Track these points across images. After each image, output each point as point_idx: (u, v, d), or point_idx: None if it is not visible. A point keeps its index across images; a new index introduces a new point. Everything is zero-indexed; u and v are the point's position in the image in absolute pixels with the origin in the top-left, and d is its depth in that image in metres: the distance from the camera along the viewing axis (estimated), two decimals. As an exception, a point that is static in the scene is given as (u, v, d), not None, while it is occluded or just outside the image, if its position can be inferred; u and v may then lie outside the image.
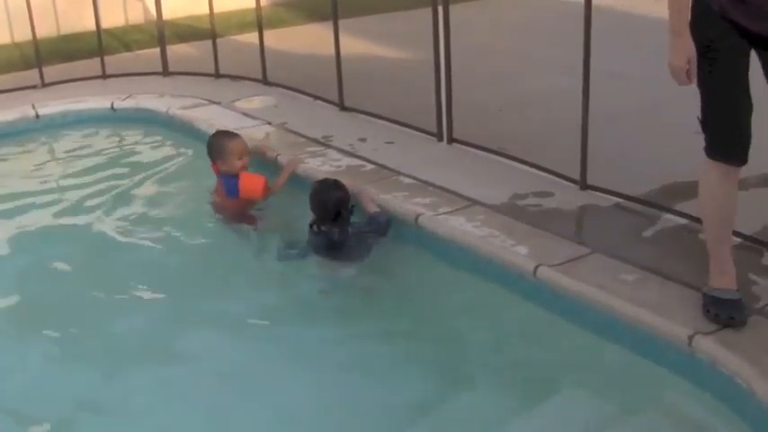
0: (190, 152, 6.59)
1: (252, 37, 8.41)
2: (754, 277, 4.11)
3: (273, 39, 8.50)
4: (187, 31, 10.00)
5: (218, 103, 7.44)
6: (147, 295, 4.84)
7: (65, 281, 4.99)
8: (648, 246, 4.55)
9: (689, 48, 3.58)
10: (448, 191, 5.30)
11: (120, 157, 6.75)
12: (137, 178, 6.29)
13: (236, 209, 5.52)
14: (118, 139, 7.17)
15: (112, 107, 7.52)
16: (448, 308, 4.57)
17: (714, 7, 3.54)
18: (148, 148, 6.93)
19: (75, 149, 6.98)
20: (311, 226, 4.95)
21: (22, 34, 8.91)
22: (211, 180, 5.68)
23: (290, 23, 10.77)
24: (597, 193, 5.15)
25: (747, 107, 3.68)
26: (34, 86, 8.08)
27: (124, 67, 8.66)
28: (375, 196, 5.21)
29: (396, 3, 10.88)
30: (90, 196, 6.01)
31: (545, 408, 3.78)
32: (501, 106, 7.12)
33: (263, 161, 5.90)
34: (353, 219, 4.99)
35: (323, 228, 4.89)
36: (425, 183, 5.45)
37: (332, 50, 6.99)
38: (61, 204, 5.91)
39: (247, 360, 4.21)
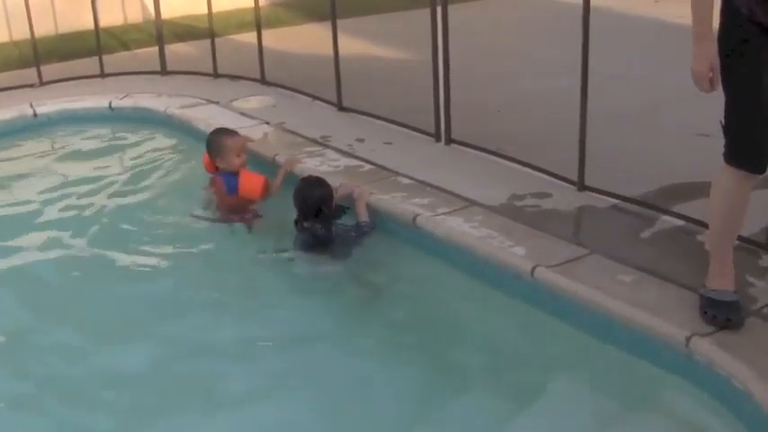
0: (188, 151, 6.58)
1: (250, 37, 8.41)
2: (751, 279, 4.11)
3: (272, 38, 8.49)
4: (185, 31, 10.00)
5: (217, 103, 7.44)
6: (140, 291, 4.85)
7: (60, 279, 4.98)
8: (646, 247, 4.55)
9: (712, 54, 3.54)
10: (446, 191, 5.30)
11: (118, 157, 6.74)
12: (134, 177, 6.29)
13: (234, 205, 5.51)
14: (115, 138, 7.17)
15: (110, 106, 7.51)
16: (445, 308, 4.57)
17: (742, 10, 3.49)
18: (146, 148, 6.92)
19: (72, 148, 6.98)
20: (296, 223, 5.05)
21: (21, 33, 8.90)
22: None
23: (289, 23, 10.77)
24: (595, 195, 5.15)
25: None
26: (32, 85, 8.08)
27: (122, 66, 8.66)
28: (372, 203, 5.21)
29: (394, 3, 10.88)
30: (87, 195, 6.01)
31: (542, 409, 3.77)
32: (499, 107, 7.12)
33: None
34: (345, 220, 5.06)
35: (305, 224, 4.99)
36: (423, 183, 5.45)
37: (330, 50, 6.99)
38: (58, 203, 5.90)
39: (239, 366, 4.19)
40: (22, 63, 8.72)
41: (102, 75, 8.37)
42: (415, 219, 4.96)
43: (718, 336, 3.66)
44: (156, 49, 8.64)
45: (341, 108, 7.09)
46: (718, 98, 3.65)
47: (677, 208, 4.85)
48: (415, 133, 6.39)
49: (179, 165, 6.46)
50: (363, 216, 5.15)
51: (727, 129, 3.66)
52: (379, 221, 5.17)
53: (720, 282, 3.83)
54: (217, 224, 5.51)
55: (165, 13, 8.79)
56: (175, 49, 9.24)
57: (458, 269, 4.71)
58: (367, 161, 5.89)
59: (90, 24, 8.48)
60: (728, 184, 3.73)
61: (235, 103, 7.44)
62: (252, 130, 6.54)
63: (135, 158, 6.69)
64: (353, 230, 5.09)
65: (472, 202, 5.13)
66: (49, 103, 7.51)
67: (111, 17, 10.19)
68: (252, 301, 4.72)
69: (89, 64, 8.62)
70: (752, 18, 3.49)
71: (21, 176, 6.39)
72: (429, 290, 4.75)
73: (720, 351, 3.57)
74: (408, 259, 4.97)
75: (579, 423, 3.67)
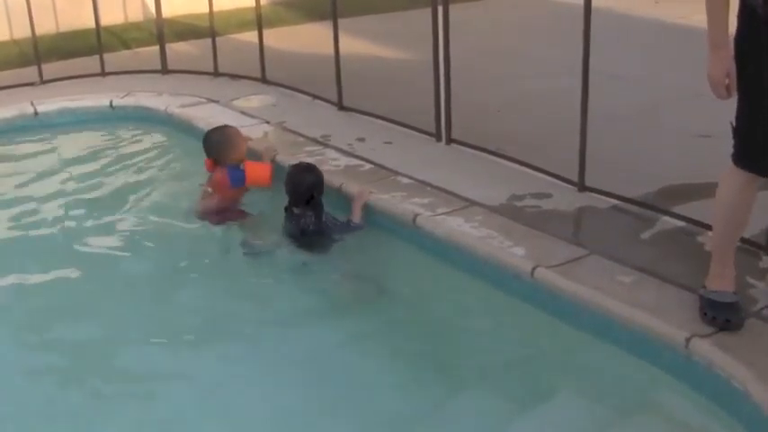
0: (188, 150, 6.58)
1: (251, 36, 8.42)
2: (751, 280, 4.11)
3: (272, 38, 8.50)
4: (186, 30, 10.00)
5: (217, 102, 7.44)
6: (136, 287, 4.88)
7: (59, 276, 4.98)
8: (646, 248, 4.55)
9: (728, 61, 3.53)
10: (446, 191, 5.30)
11: (118, 155, 6.74)
12: (134, 176, 6.30)
13: (231, 201, 5.53)
14: (116, 136, 7.17)
15: (111, 105, 7.52)
16: (445, 308, 4.57)
17: (758, 11, 3.47)
18: (146, 146, 6.93)
19: (73, 147, 6.98)
20: (286, 209, 5.09)
21: (22, 31, 8.92)
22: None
23: (290, 23, 10.77)
24: (595, 195, 5.15)
25: None
26: (33, 83, 8.08)
27: (123, 65, 8.66)
28: (372, 203, 5.22)
29: (395, 3, 10.89)
30: (87, 194, 6.02)
31: (541, 409, 3.78)
32: (500, 107, 7.12)
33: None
34: (341, 215, 5.11)
35: (296, 210, 5.03)
36: (424, 183, 5.45)
37: (331, 50, 6.99)
38: (58, 201, 5.90)
39: (237, 364, 4.21)
40: (23, 61, 8.73)
41: (103, 73, 8.37)
42: (415, 218, 4.97)
43: (717, 337, 3.66)
44: (156, 47, 8.64)
45: (341, 107, 7.09)
46: (717, 100, 3.65)
47: (677, 209, 4.85)
48: (415, 133, 6.39)
49: (179, 163, 6.46)
50: (357, 216, 5.16)
51: (738, 130, 3.65)
52: (380, 221, 5.18)
53: (720, 283, 3.83)
54: (209, 225, 5.49)
55: (166, 12, 8.79)
56: (176, 48, 9.24)
57: (458, 269, 4.71)
58: (367, 161, 5.89)
59: (91, 23, 8.48)
60: (735, 186, 3.72)
61: (235, 102, 7.44)
62: (252, 130, 6.55)
63: (135, 157, 6.69)
64: (342, 226, 5.10)
65: (472, 202, 5.13)
66: (50, 102, 7.52)
67: (111, 16, 10.20)
68: (249, 302, 4.73)
69: (90, 62, 8.62)
70: None
71: (21, 175, 6.39)
72: (428, 289, 4.75)
73: (720, 352, 3.57)
74: (408, 259, 4.97)
75: (578, 423, 3.67)
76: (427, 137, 6.28)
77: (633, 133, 6.33)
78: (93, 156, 6.77)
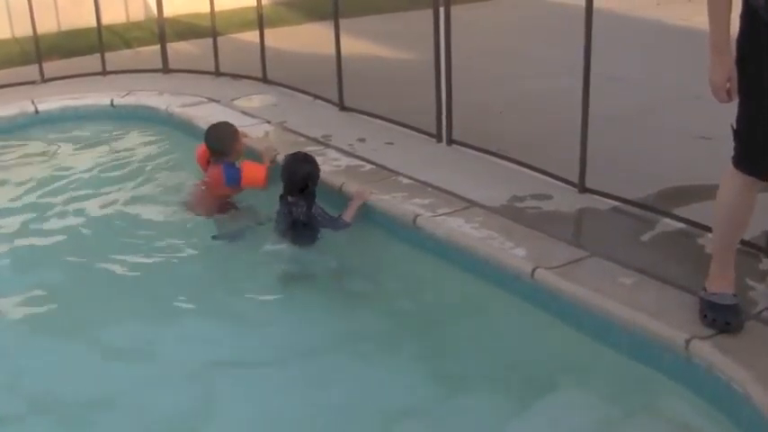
0: (189, 150, 6.57)
1: (252, 35, 8.42)
2: (751, 282, 4.11)
3: (274, 38, 8.50)
4: (188, 29, 10.01)
5: (218, 102, 7.44)
6: (136, 283, 4.93)
7: (59, 275, 5.00)
8: (646, 249, 4.55)
9: (730, 65, 3.52)
10: (447, 192, 5.31)
11: (119, 154, 6.75)
12: (134, 175, 6.30)
13: (222, 198, 5.58)
14: (117, 135, 7.17)
15: (112, 104, 7.53)
16: (445, 309, 4.57)
17: (761, 12, 3.46)
18: (147, 146, 6.93)
19: (73, 145, 6.99)
20: (281, 198, 5.14)
21: (23, 30, 8.92)
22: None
23: (291, 22, 10.78)
24: (596, 197, 5.15)
25: None
26: (34, 82, 8.08)
27: (124, 64, 8.67)
28: (373, 203, 5.23)
29: (397, 3, 10.89)
30: (87, 192, 6.03)
31: (541, 410, 3.77)
32: (501, 108, 7.13)
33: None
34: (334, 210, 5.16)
35: (290, 199, 5.07)
36: (424, 183, 5.45)
37: (332, 50, 6.99)
38: (58, 200, 5.92)
39: (231, 358, 4.23)
40: (25, 60, 8.74)
41: (104, 72, 8.38)
42: (415, 219, 4.97)
43: (717, 339, 3.66)
44: (158, 47, 8.65)
45: (342, 108, 7.09)
46: (718, 102, 3.65)
47: (678, 211, 4.85)
48: (416, 133, 6.40)
49: (179, 162, 6.45)
50: (350, 214, 5.17)
51: (738, 133, 3.65)
52: (380, 221, 5.19)
53: (721, 285, 3.83)
54: (203, 220, 5.54)
55: (168, 11, 8.80)
56: (177, 48, 9.25)
57: (458, 270, 4.71)
58: (368, 161, 5.89)
59: (92, 22, 8.49)
60: (735, 189, 3.72)
61: (236, 102, 7.44)
62: (253, 129, 6.55)
63: (136, 156, 6.70)
64: (330, 220, 5.12)
65: (473, 203, 5.13)
66: (51, 100, 7.53)
67: (113, 15, 10.21)
68: (246, 300, 4.76)
69: (91, 61, 8.64)
70: None
71: (21, 173, 6.40)
72: (429, 290, 4.75)
73: (720, 354, 3.57)
74: (408, 259, 4.97)
75: (578, 425, 3.67)
76: (428, 137, 6.29)
77: (634, 135, 6.33)
78: (94, 154, 6.78)
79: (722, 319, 3.73)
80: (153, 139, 7.06)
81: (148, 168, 6.45)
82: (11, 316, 4.61)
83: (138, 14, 10.93)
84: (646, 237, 4.69)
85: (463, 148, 6.06)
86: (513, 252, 4.53)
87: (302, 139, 6.38)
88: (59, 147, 6.97)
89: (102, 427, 3.77)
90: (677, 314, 3.86)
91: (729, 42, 3.53)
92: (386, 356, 4.18)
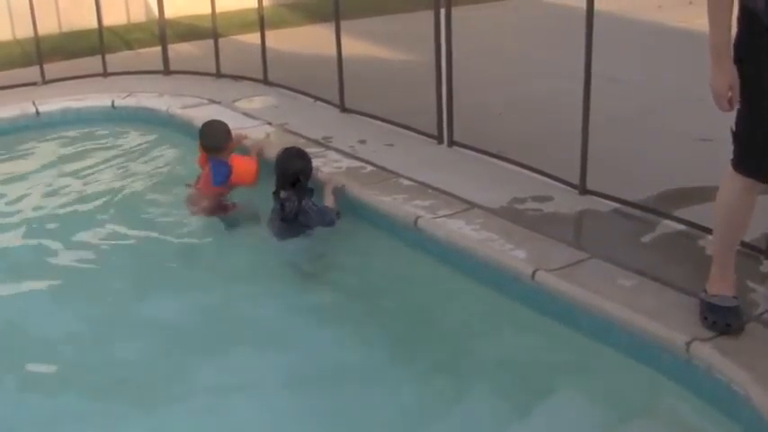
0: (189, 151, 6.58)
1: (253, 37, 8.41)
2: (752, 284, 4.12)
3: (275, 39, 8.50)
4: (189, 31, 10.02)
5: (219, 103, 7.45)
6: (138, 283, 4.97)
7: (60, 277, 5.01)
8: (647, 251, 4.55)
9: (731, 73, 3.50)
10: (447, 193, 5.31)
11: (120, 156, 6.75)
12: (135, 177, 6.31)
13: (218, 196, 5.61)
14: (118, 137, 7.17)
15: (113, 105, 7.53)
16: (445, 311, 4.57)
17: (760, 16, 3.44)
18: (148, 147, 6.93)
19: (74, 147, 6.99)
20: (274, 194, 5.20)
21: (24, 31, 8.91)
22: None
23: (292, 24, 10.79)
24: (596, 198, 5.15)
25: None
26: (35, 83, 8.08)
27: (125, 66, 8.68)
28: (374, 205, 5.26)
29: (398, 5, 10.89)
30: (88, 194, 6.03)
31: (541, 413, 3.78)
32: (501, 109, 7.13)
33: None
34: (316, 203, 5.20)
35: (282, 194, 5.13)
36: (425, 185, 5.45)
37: (333, 51, 7.00)
38: (59, 202, 5.93)
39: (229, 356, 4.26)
40: (26, 61, 8.75)
41: (105, 74, 8.38)
42: (416, 221, 4.97)
43: (718, 341, 3.66)
44: (158, 48, 8.66)
45: (343, 109, 7.10)
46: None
47: (678, 212, 4.85)
48: (416, 135, 6.40)
49: (180, 164, 6.46)
50: (329, 202, 5.23)
51: (738, 136, 3.65)
52: (381, 223, 5.20)
53: (721, 287, 3.83)
54: (205, 219, 5.58)
55: (169, 13, 8.80)
56: (178, 49, 9.25)
57: (458, 271, 4.71)
58: (369, 162, 5.89)
59: (93, 23, 8.50)
60: (735, 191, 3.72)
61: (237, 104, 7.45)
62: (254, 131, 6.56)
63: (136, 158, 6.70)
64: (319, 211, 5.14)
65: (473, 205, 5.13)
66: (52, 102, 7.53)
67: (114, 16, 10.22)
68: (253, 305, 4.76)
69: (92, 63, 8.64)
70: None
71: (22, 174, 6.41)
72: (429, 292, 4.75)
73: (720, 356, 3.57)
74: (409, 261, 4.97)
75: (577, 427, 3.68)
76: (429, 139, 6.29)
77: (634, 136, 6.34)
78: (94, 155, 6.78)
79: (723, 321, 3.73)
80: (154, 140, 7.06)
81: (149, 170, 6.45)
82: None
83: (138, 16, 10.94)
84: (646, 238, 4.69)
85: (464, 150, 6.06)
86: (514, 254, 4.53)
87: (303, 140, 6.38)
88: (60, 148, 6.96)
89: None
90: (678, 316, 3.86)
91: (730, 49, 3.51)
92: (383, 358, 4.19)
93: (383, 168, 5.78)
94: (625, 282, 4.19)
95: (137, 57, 9.37)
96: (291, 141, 6.33)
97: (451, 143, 6.17)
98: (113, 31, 9.97)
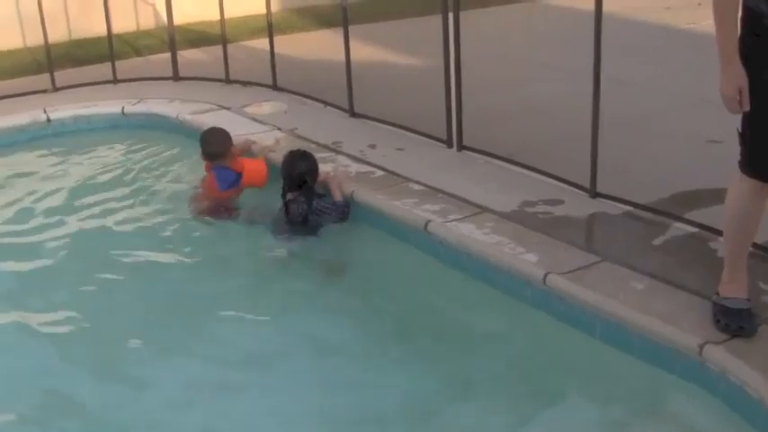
0: (198, 157, 6.59)
1: (262, 43, 8.43)
2: (764, 286, 4.10)
3: (284, 44, 8.52)
4: (198, 37, 10.04)
5: (229, 109, 7.46)
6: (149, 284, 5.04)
7: (71, 284, 5.03)
8: (659, 254, 4.54)
9: (740, 76, 3.49)
10: (458, 198, 5.31)
11: (130, 162, 6.77)
12: (145, 182, 6.35)
13: (225, 200, 5.68)
14: (128, 143, 7.19)
15: (123, 112, 7.55)
16: (457, 315, 4.57)
17: (762, 16, 3.45)
18: (158, 153, 6.94)
19: (85, 153, 7.02)
20: (282, 195, 5.29)
21: (34, 39, 8.94)
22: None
23: (301, 29, 10.80)
24: (607, 201, 5.14)
25: None
26: (45, 91, 8.11)
27: (135, 72, 8.70)
28: (384, 209, 5.27)
29: (406, 9, 10.90)
30: (98, 200, 6.07)
31: (553, 415, 3.78)
32: (511, 113, 7.12)
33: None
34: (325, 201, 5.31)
35: (290, 195, 5.23)
36: (435, 189, 5.45)
37: (342, 57, 7.00)
38: (69, 206, 5.97)
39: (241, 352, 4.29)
40: (36, 69, 8.78)
41: (115, 80, 8.40)
42: (426, 225, 4.97)
43: (731, 343, 3.65)
44: (168, 54, 8.69)
45: (353, 114, 7.10)
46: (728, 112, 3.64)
47: (689, 215, 4.84)
48: (426, 139, 6.40)
49: (190, 170, 6.47)
50: (337, 196, 5.33)
51: (744, 137, 3.64)
52: (391, 227, 5.20)
53: (733, 289, 3.82)
54: (212, 223, 5.65)
55: (178, 20, 8.82)
56: (188, 55, 9.28)
57: (469, 276, 4.71)
58: (378, 167, 5.90)
59: (103, 30, 8.53)
60: (744, 193, 3.71)
61: (247, 109, 7.46)
62: (264, 136, 6.57)
63: (146, 164, 6.73)
64: (330, 208, 5.27)
65: (484, 209, 5.13)
66: (63, 109, 7.55)
67: (123, 23, 10.23)
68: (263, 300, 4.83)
69: (102, 69, 8.67)
70: None
71: (34, 181, 6.44)
72: (440, 296, 4.75)
73: (734, 359, 3.56)
74: (419, 265, 4.98)
75: (590, 431, 3.67)
76: (439, 143, 6.29)
77: (644, 138, 6.32)
78: (105, 162, 6.82)
79: (735, 323, 3.72)
80: (164, 146, 7.07)
81: (159, 176, 6.48)
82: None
83: (148, 23, 10.96)
84: (658, 241, 4.68)
85: (474, 154, 6.06)
86: (525, 257, 4.53)
87: (313, 145, 6.38)
88: (71, 155, 6.99)
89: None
90: (690, 319, 3.85)
91: (737, 53, 3.51)
92: (394, 361, 4.20)
93: (393, 173, 5.78)
94: (637, 285, 4.18)
95: (146, 63, 9.40)
96: (301, 146, 6.31)
97: (461, 147, 6.17)
98: (123, 38, 9.99)
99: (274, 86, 7.98)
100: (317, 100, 7.53)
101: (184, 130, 7.15)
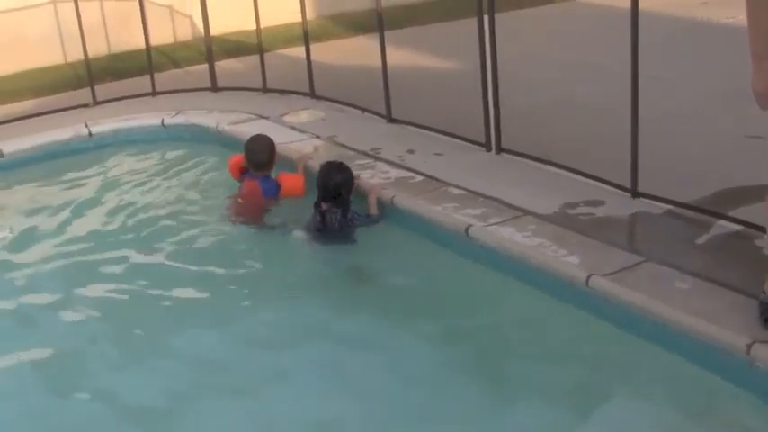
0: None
1: (299, 51, 8.47)
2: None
3: (320, 52, 8.56)
4: (234, 47, 10.11)
5: (267, 118, 7.50)
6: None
7: (116, 295, 5.10)
8: (702, 253, 4.50)
9: None
10: (498, 201, 5.30)
11: (171, 173, 6.84)
12: (186, 193, 6.42)
13: (263, 207, 5.77)
14: (168, 155, 7.27)
15: (163, 124, 7.63)
16: (500, 319, 4.57)
17: None
18: (198, 164, 7.00)
19: (126, 166, 7.11)
20: (315, 205, 5.35)
21: (75, 54, 9.06)
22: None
23: (336, 36, 10.83)
24: (649, 201, 5.11)
25: None
26: (86, 105, 8.21)
27: (174, 84, 8.79)
28: (424, 215, 5.31)
29: (441, 13, 10.90)
30: (140, 211, 6.15)
31: (600, 420, 3.77)
32: (549, 114, 7.09)
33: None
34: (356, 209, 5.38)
35: (324, 206, 5.29)
36: (475, 193, 5.45)
37: (378, 63, 7.02)
38: (112, 220, 6.05)
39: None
40: (77, 83, 8.89)
41: (154, 93, 8.49)
42: (467, 229, 4.97)
43: (778, 342, 3.63)
44: (205, 65, 8.77)
45: (390, 120, 7.12)
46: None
47: (733, 212, 4.79)
48: (464, 143, 6.40)
49: (230, 179, 6.52)
50: (372, 209, 5.40)
51: None
52: (432, 232, 5.21)
53: (779, 287, 3.79)
54: (250, 228, 5.76)
55: (214, 30, 8.89)
56: (225, 66, 9.34)
57: (511, 279, 4.71)
58: (418, 172, 5.91)
59: (141, 43, 8.62)
60: None
61: (285, 118, 7.50)
62: (303, 145, 6.61)
63: (187, 174, 6.79)
64: (363, 219, 5.37)
65: (524, 212, 5.12)
66: (104, 123, 7.65)
67: (161, 36, 10.33)
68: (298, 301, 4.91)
69: (141, 82, 8.77)
70: None
71: (76, 195, 6.53)
72: (482, 300, 4.76)
73: (782, 357, 3.53)
74: (461, 270, 4.98)
75: (638, 432, 3.66)
76: (477, 146, 6.28)
77: (683, 136, 6.26)
78: (146, 174, 6.89)
79: (782, 322, 3.68)
80: (204, 157, 7.13)
81: (199, 186, 6.55)
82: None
83: (185, 34, 11.05)
84: (701, 240, 4.64)
85: (513, 156, 6.05)
86: (567, 259, 4.52)
87: (352, 152, 6.41)
88: (113, 168, 7.08)
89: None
90: (736, 318, 3.82)
91: None
92: (439, 365, 4.21)
93: (432, 177, 5.79)
94: (681, 284, 4.16)
95: (185, 75, 9.48)
96: (340, 154, 6.37)
97: (500, 150, 6.16)
98: (161, 50, 10.09)
99: (312, 94, 8.02)
100: (355, 107, 7.55)
101: (224, 140, 7.20)
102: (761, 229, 4.41)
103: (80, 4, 8.17)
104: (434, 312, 4.67)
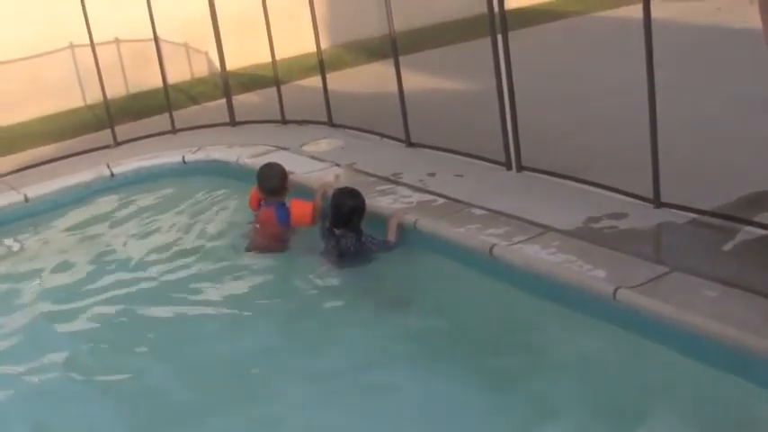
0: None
1: (314, 81, 8.51)
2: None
3: (336, 80, 8.59)
4: (251, 80, 10.16)
5: (287, 149, 7.53)
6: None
7: (141, 334, 5.17)
8: (729, 260, 4.47)
9: None
10: (521, 219, 5.29)
11: (194, 210, 6.88)
12: (210, 229, 6.44)
13: (279, 236, 5.82)
14: (190, 191, 7.30)
15: (184, 160, 7.67)
16: (528, 336, 4.55)
17: None
18: (221, 199, 7.04)
19: (149, 204, 7.15)
20: (328, 229, 5.45)
21: (93, 96, 9.15)
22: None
23: (351, 64, 10.86)
24: (672, 210, 5.08)
25: None
26: (108, 146, 8.27)
27: (192, 120, 8.83)
28: (447, 236, 5.32)
29: (454, 35, 10.92)
30: (165, 248, 6.21)
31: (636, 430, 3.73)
32: (566, 129, 7.07)
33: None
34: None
35: (337, 231, 5.38)
36: (498, 213, 5.45)
37: (394, 88, 7.04)
38: (135, 256, 6.12)
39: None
40: (97, 125, 8.96)
41: (174, 130, 8.54)
42: (491, 249, 4.96)
43: (813, 347, 3.59)
44: (223, 100, 8.82)
45: (409, 144, 7.13)
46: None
47: (759, 218, 4.76)
48: (485, 163, 6.39)
49: (251, 212, 6.55)
50: (392, 234, 5.43)
51: None
52: (456, 253, 5.21)
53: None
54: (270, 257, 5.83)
55: (230, 65, 8.95)
56: (242, 99, 9.40)
57: (539, 296, 4.70)
58: (439, 195, 5.91)
59: (158, 82, 8.69)
60: None
61: (305, 148, 7.53)
62: (323, 174, 6.63)
63: (210, 211, 6.82)
64: (379, 244, 5.42)
65: (548, 228, 5.11)
66: (125, 163, 7.71)
67: (178, 73, 10.40)
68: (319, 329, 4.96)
69: (160, 120, 8.83)
70: None
71: (100, 234, 6.61)
72: (511, 319, 4.74)
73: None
74: (488, 290, 4.97)
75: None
76: (498, 166, 6.27)
77: (704, 143, 6.23)
78: (169, 212, 6.93)
79: (814, 326, 3.65)
80: (225, 191, 7.16)
81: (221, 219, 6.58)
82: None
83: (201, 70, 11.13)
84: (727, 247, 4.61)
85: (533, 174, 6.04)
86: (593, 274, 4.50)
87: (372, 178, 6.42)
88: (136, 206, 7.12)
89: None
90: (767, 324, 3.78)
91: None
92: (471, 383, 4.21)
93: (454, 199, 5.79)
94: (710, 293, 4.13)
95: (203, 111, 9.53)
96: (361, 181, 6.38)
97: (520, 168, 6.15)
98: (178, 87, 10.16)
99: (330, 123, 8.05)
100: (373, 133, 7.57)
101: (245, 174, 7.22)
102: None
103: (96, 46, 8.25)
104: (462, 334, 4.68)
